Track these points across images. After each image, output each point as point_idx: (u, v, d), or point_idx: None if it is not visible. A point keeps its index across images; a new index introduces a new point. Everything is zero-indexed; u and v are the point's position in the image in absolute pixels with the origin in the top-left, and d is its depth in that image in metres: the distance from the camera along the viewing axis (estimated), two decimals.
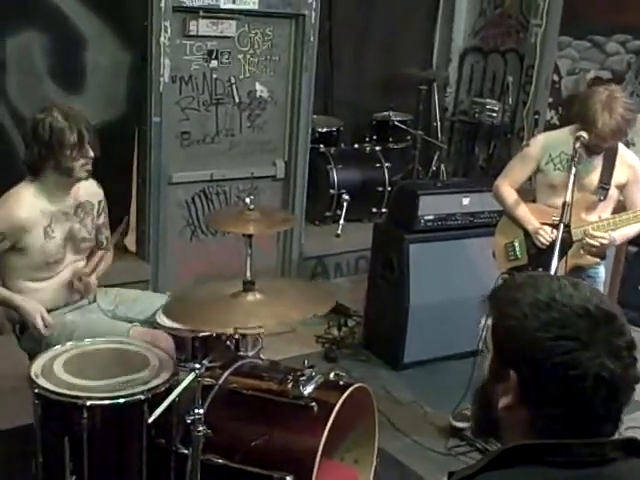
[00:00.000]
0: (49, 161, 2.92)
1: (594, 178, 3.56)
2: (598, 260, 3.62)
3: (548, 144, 3.63)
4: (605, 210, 3.61)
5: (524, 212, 3.68)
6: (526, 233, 3.68)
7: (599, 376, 1.17)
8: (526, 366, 1.22)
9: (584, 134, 3.37)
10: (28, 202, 2.93)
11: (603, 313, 1.21)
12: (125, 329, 3.00)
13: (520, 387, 1.23)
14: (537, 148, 3.64)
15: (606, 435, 1.23)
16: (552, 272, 3.26)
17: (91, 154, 2.95)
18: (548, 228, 3.56)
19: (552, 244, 3.42)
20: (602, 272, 3.73)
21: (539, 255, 3.62)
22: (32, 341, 2.99)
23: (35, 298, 2.96)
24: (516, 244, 3.73)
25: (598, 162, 3.56)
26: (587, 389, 1.18)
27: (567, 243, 3.48)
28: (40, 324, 2.88)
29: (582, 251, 3.54)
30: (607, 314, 1.21)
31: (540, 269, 3.51)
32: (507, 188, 3.74)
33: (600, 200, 3.56)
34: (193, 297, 2.74)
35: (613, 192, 3.59)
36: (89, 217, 3.17)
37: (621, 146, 3.61)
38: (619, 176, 3.56)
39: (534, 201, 3.67)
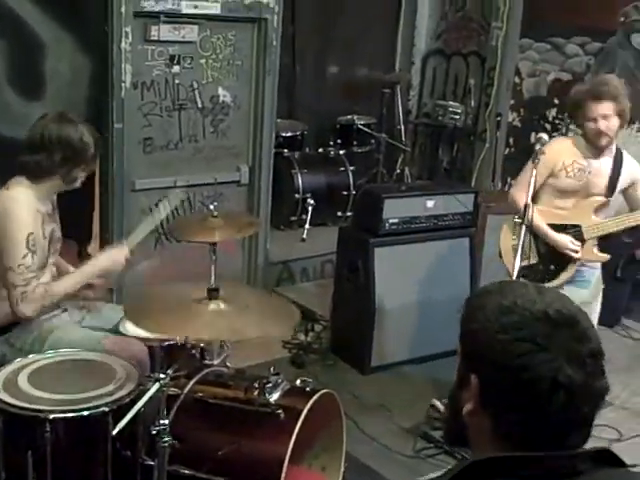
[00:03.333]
0: (65, 169, 3.00)
1: (602, 180, 3.73)
2: (607, 256, 3.81)
3: (562, 151, 3.69)
4: (610, 212, 3.81)
5: (541, 224, 3.73)
6: (534, 234, 3.72)
7: (555, 380, 1.15)
8: (485, 370, 1.22)
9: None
10: (29, 202, 2.95)
11: (564, 318, 1.19)
12: (98, 337, 3.00)
13: (480, 392, 1.23)
14: (552, 155, 3.64)
15: (574, 445, 1.21)
16: (515, 274, 3.34)
17: (95, 167, 3.15)
18: (567, 237, 3.74)
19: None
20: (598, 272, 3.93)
21: (549, 253, 3.78)
22: (4, 346, 2.97)
23: None
24: (527, 246, 3.70)
25: (607, 165, 3.73)
26: (542, 393, 1.16)
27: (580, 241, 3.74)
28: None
29: (595, 249, 3.75)
30: (568, 319, 1.20)
31: (552, 267, 3.76)
32: (524, 199, 3.58)
33: (608, 202, 3.76)
34: (156, 301, 2.69)
35: (619, 194, 3.78)
36: (58, 217, 3.21)
37: (625, 152, 3.80)
38: (625, 178, 3.75)
39: (534, 199, 3.58)
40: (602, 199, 3.77)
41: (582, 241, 3.77)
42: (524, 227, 3.39)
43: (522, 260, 3.69)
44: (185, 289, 2.68)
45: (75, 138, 2.97)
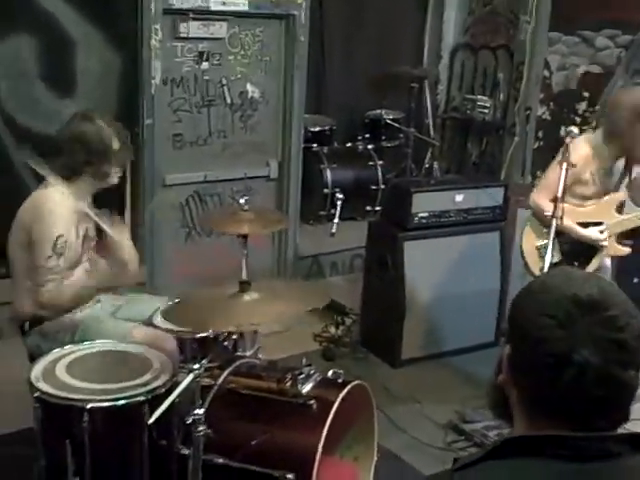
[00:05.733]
0: (91, 166, 3.03)
1: (616, 178, 3.80)
2: (628, 249, 3.88)
3: (588, 161, 3.67)
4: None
5: (568, 222, 3.64)
6: (557, 233, 3.62)
7: (567, 357, 1.18)
8: (514, 340, 1.29)
9: (574, 129, 3.49)
10: (64, 202, 2.99)
11: (594, 302, 1.21)
12: (128, 328, 3.05)
13: (510, 361, 1.29)
14: (580, 166, 3.58)
15: (602, 428, 1.22)
16: (548, 261, 3.33)
17: (127, 162, 3.15)
18: (596, 229, 3.77)
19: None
20: (608, 262, 3.98)
21: (572, 250, 3.80)
22: (37, 337, 3.03)
23: None
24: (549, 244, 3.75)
25: (619, 169, 3.79)
26: (551, 367, 1.19)
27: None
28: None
29: (616, 244, 3.83)
30: (597, 303, 1.21)
31: (576, 263, 3.76)
32: (546, 202, 3.56)
33: (623, 197, 3.82)
34: (192, 302, 2.75)
35: None
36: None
37: None
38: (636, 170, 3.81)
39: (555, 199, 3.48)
40: (622, 195, 3.81)
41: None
42: (554, 222, 3.37)
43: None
44: (215, 290, 2.71)
45: (93, 136, 2.99)
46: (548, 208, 3.46)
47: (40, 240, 2.90)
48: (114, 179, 3.14)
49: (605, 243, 3.79)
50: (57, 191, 3.00)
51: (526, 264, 3.89)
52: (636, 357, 1.22)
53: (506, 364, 1.30)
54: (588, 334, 1.19)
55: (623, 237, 3.92)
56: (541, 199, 3.67)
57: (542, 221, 3.73)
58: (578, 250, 3.81)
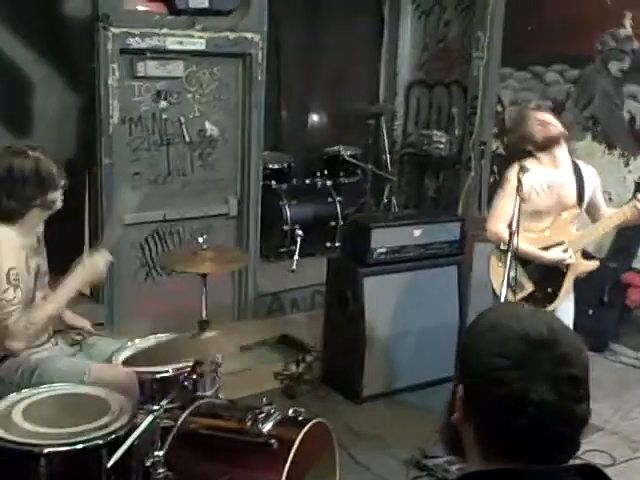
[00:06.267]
0: (37, 199, 2.97)
1: (571, 192, 3.85)
2: (597, 263, 3.96)
3: (529, 175, 3.69)
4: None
5: (531, 249, 3.79)
6: (523, 263, 3.79)
7: (525, 398, 1.20)
8: (468, 382, 1.29)
9: (526, 164, 3.59)
10: (8, 237, 2.93)
11: (543, 339, 1.24)
12: (87, 365, 3.01)
13: (464, 402, 1.30)
14: (515, 181, 3.64)
15: (558, 462, 1.24)
16: (503, 297, 3.38)
17: (64, 183, 3.04)
18: (559, 249, 3.82)
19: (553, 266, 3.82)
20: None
21: (543, 279, 3.86)
22: None
23: None
24: (519, 277, 3.78)
25: (569, 176, 3.85)
26: (512, 408, 1.21)
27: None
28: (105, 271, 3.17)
29: (582, 260, 3.89)
30: (548, 341, 1.24)
31: (549, 289, 3.84)
32: (505, 230, 3.61)
33: (579, 213, 3.89)
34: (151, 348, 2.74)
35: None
36: (44, 251, 3.20)
37: (579, 161, 3.97)
38: (589, 185, 3.89)
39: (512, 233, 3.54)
40: (576, 211, 3.87)
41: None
42: (509, 254, 3.43)
43: (519, 292, 3.78)
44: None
45: (34, 170, 2.93)
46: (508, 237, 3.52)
47: None
48: (59, 204, 3.06)
49: (571, 261, 3.83)
50: (1, 230, 2.94)
51: (498, 299, 3.92)
52: (587, 390, 1.25)
53: (460, 405, 1.31)
54: (543, 373, 1.21)
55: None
56: (499, 229, 3.72)
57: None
58: (547, 276, 3.86)
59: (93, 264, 3.13)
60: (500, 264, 3.82)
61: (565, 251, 3.83)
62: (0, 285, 2.84)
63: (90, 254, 3.19)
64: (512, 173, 3.68)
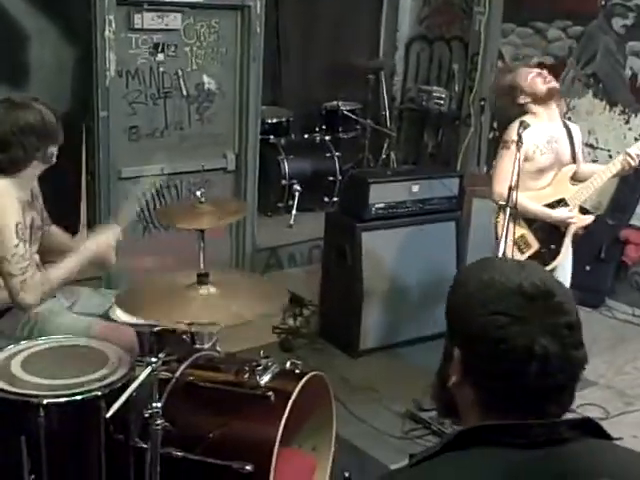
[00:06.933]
0: (39, 151, 2.95)
1: (567, 147, 3.90)
2: (592, 217, 4.02)
3: (530, 133, 3.69)
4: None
5: (538, 207, 3.84)
6: (529, 222, 3.84)
7: (529, 350, 1.20)
8: (466, 343, 1.28)
9: (526, 119, 3.57)
10: (6, 190, 2.89)
11: (539, 291, 1.24)
12: (88, 322, 3.02)
13: (462, 364, 1.29)
14: (525, 141, 3.64)
15: (554, 414, 1.25)
16: (500, 254, 3.39)
17: (62, 137, 3.04)
18: (565, 209, 3.86)
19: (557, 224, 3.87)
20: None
21: (547, 237, 3.89)
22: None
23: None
24: (526, 236, 3.87)
25: (562, 131, 3.90)
26: (518, 363, 1.21)
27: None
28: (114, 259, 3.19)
29: (580, 215, 3.93)
30: (543, 292, 1.24)
31: (552, 246, 3.88)
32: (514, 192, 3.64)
33: (575, 168, 3.93)
34: (147, 289, 2.71)
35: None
36: (40, 205, 3.17)
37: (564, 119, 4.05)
38: (577, 143, 3.97)
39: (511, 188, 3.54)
40: (572, 166, 3.91)
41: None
42: (508, 210, 3.43)
43: (527, 250, 3.85)
44: (171, 278, 2.68)
45: (39, 122, 2.91)
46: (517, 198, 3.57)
47: (3, 231, 2.82)
48: (54, 159, 3.05)
49: (574, 220, 3.87)
50: (2, 184, 2.91)
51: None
52: (581, 335, 1.26)
53: (459, 368, 1.29)
54: (542, 323, 1.21)
55: None
56: (506, 190, 3.67)
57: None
58: (550, 233, 3.89)
59: (106, 238, 3.17)
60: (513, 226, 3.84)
61: (570, 211, 3.87)
62: (11, 240, 2.82)
63: (102, 229, 3.23)
64: (514, 132, 3.65)
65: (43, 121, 2.93)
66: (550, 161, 3.83)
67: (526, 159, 3.72)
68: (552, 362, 1.21)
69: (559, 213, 3.86)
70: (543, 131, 3.79)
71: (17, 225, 2.85)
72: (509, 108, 3.89)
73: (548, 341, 1.21)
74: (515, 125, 3.66)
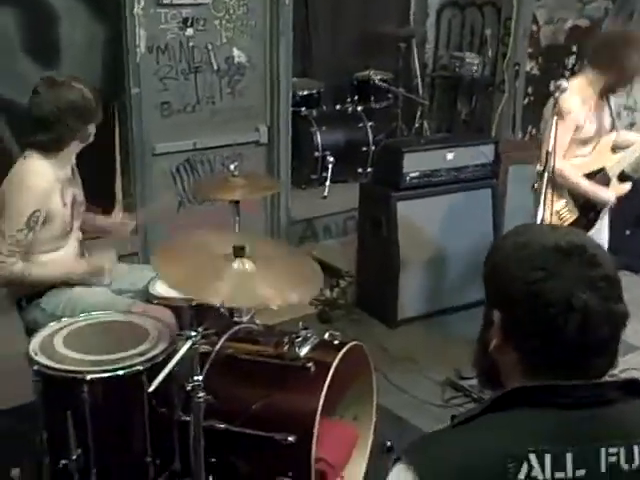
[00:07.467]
0: (79, 131, 2.98)
1: (608, 118, 3.85)
2: (630, 185, 3.91)
3: (583, 102, 3.67)
4: None
5: (589, 185, 3.79)
6: (569, 191, 3.80)
7: (568, 304, 1.20)
8: (504, 304, 1.29)
9: (563, 82, 3.47)
10: (45, 172, 2.93)
11: (574, 246, 1.25)
12: (126, 304, 3.04)
13: (503, 326, 1.29)
14: (577, 111, 3.66)
15: (599, 370, 1.25)
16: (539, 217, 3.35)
17: (101, 119, 3.08)
18: (607, 189, 3.82)
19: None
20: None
21: (587, 203, 3.85)
22: (34, 312, 3.02)
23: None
24: (570, 205, 3.83)
25: (604, 103, 3.83)
26: (557, 317, 1.21)
27: (606, 183, 3.83)
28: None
29: (618, 183, 3.86)
30: (579, 247, 1.26)
31: (592, 214, 3.86)
32: (568, 167, 3.71)
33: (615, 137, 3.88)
34: (186, 249, 2.63)
35: None
36: (79, 181, 3.21)
37: None
38: (614, 111, 3.91)
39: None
40: (613, 135, 3.86)
41: (609, 180, 3.85)
42: (546, 175, 3.38)
43: (570, 217, 3.81)
44: (213, 242, 2.63)
45: (80, 101, 2.93)
46: (571, 175, 3.66)
47: (16, 211, 2.85)
48: (92, 137, 3.08)
49: (614, 201, 3.84)
50: (38, 164, 2.94)
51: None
52: (620, 289, 1.26)
53: (500, 331, 1.29)
54: (579, 277, 1.22)
55: None
56: (565, 167, 3.65)
57: (567, 186, 3.75)
58: (589, 202, 3.85)
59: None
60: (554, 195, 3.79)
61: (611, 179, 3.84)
62: (19, 223, 2.85)
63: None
64: (572, 102, 3.59)
65: (84, 100, 2.95)
66: (595, 129, 3.78)
67: (576, 128, 3.68)
68: (592, 315, 1.21)
69: (606, 194, 3.81)
70: (589, 99, 3.73)
71: (34, 212, 2.86)
72: (601, 66, 3.70)
73: (586, 294, 1.21)
74: (571, 96, 3.56)
